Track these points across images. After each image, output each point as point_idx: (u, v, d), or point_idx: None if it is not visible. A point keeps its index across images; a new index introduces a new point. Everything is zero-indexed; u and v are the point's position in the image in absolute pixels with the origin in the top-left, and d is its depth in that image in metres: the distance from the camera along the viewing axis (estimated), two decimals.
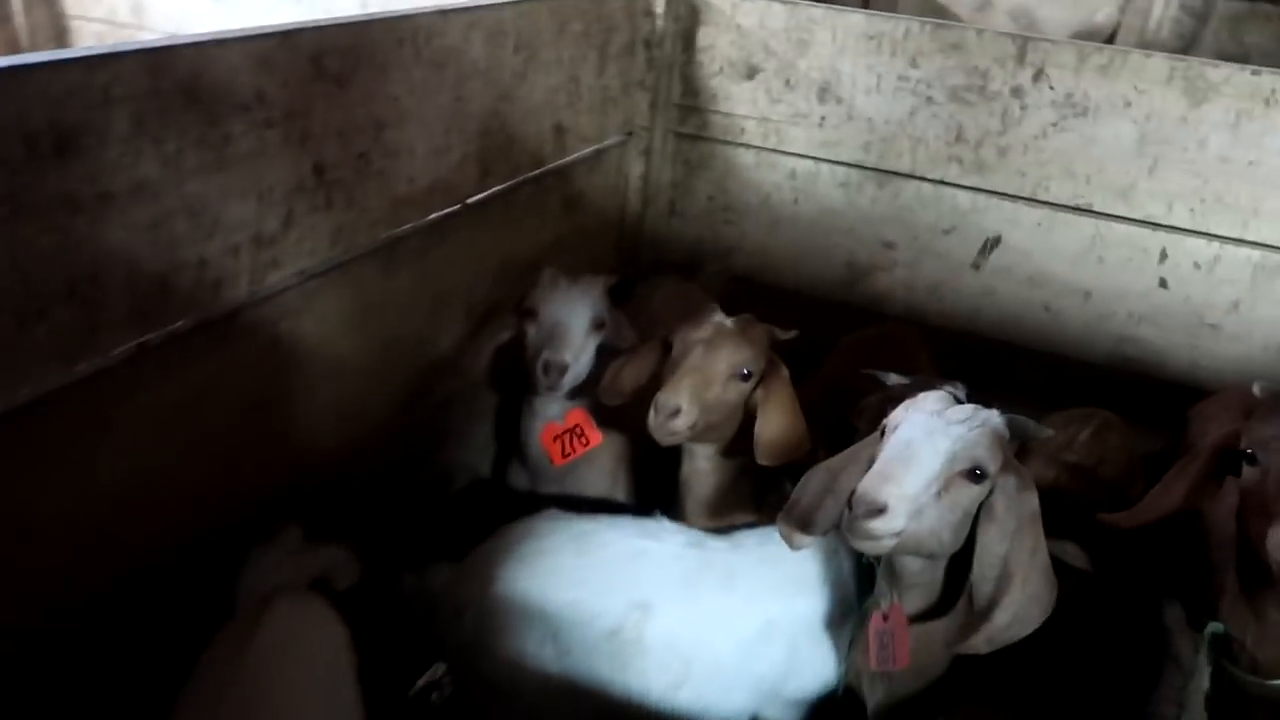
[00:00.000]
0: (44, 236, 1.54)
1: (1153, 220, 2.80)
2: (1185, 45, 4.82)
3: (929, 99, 2.97)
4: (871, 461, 1.81)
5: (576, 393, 2.54)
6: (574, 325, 2.45)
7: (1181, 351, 2.89)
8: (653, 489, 2.65)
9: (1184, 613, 1.77)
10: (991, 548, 1.68)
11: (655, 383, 2.23)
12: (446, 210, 2.52)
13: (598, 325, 2.50)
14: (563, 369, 2.38)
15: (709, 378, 2.12)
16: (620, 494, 2.69)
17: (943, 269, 3.12)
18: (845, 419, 2.31)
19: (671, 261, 3.46)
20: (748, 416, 2.22)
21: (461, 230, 2.60)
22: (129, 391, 1.78)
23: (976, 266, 3.07)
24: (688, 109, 3.33)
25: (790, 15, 3.08)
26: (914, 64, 2.96)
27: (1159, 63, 2.69)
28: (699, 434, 2.14)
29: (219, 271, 1.88)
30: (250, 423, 2.09)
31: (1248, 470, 1.70)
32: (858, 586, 2.10)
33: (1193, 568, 1.95)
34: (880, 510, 1.62)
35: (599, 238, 3.38)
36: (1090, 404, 2.66)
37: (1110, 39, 4.99)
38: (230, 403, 2.02)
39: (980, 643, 1.66)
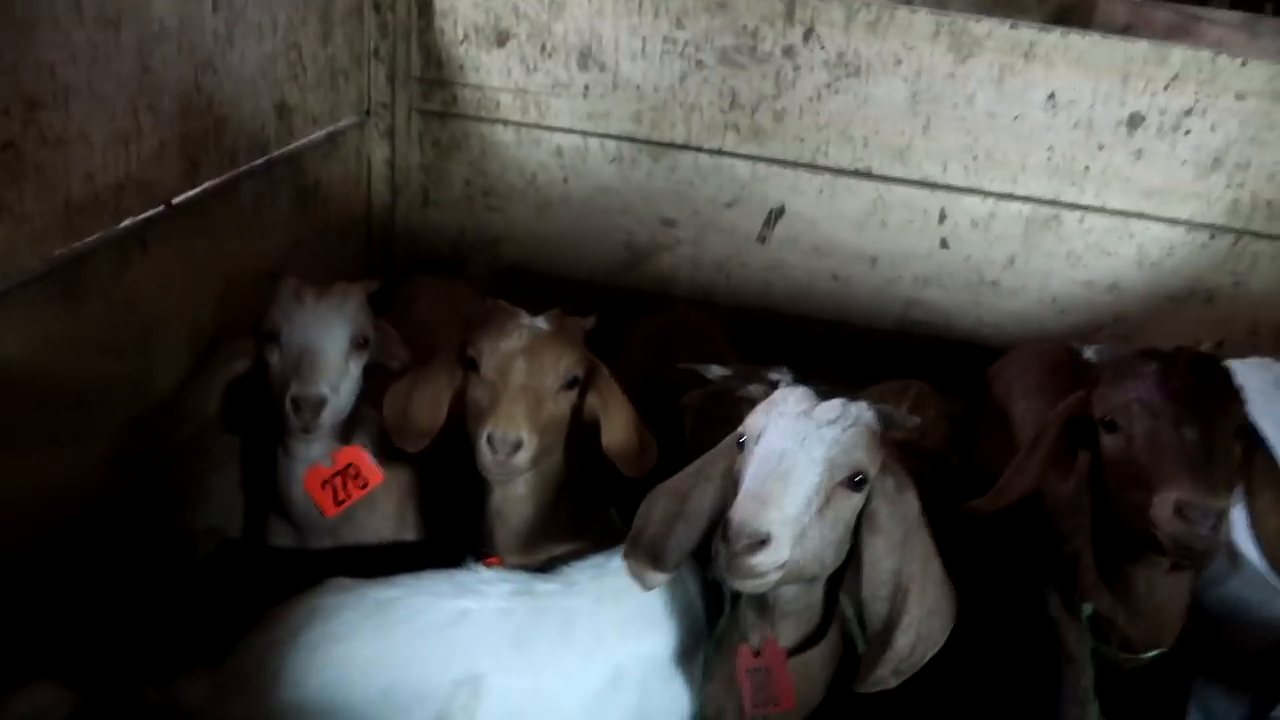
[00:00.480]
0: None
1: (930, 181, 2.77)
2: None
3: (699, 62, 2.76)
4: (730, 478, 1.55)
5: (344, 426, 2.11)
6: (328, 348, 2.01)
7: (966, 310, 2.89)
8: (448, 521, 2.27)
9: (1060, 597, 1.66)
10: (880, 562, 1.48)
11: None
12: (146, 214, 2.00)
13: (359, 344, 2.08)
14: (318, 405, 1.95)
15: (540, 395, 1.79)
16: (410, 534, 2.29)
17: (728, 244, 2.95)
18: (674, 415, 2.05)
19: (431, 257, 3.07)
20: (570, 429, 1.91)
21: (170, 239, 2.08)
22: None
23: (763, 239, 2.92)
24: (432, 82, 2.92)
25: None
26: (679, 24, 2.73)
27: (924, 18, 2.63)
28: (535, 462, 1.81)
29: None
30: None
31: (1109, 439, 1.62)
32: (706, 610, 1.86)
33: (1043, 546, 1.87)
34: (764, 541, 1.36)
35: (345, 237, 2.90)
36: (883, 371, 2.58)
37: None
38: None
39: (887, 675, 1.45)
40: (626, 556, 1.66)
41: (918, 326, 2.92)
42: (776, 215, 2.88)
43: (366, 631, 1.68)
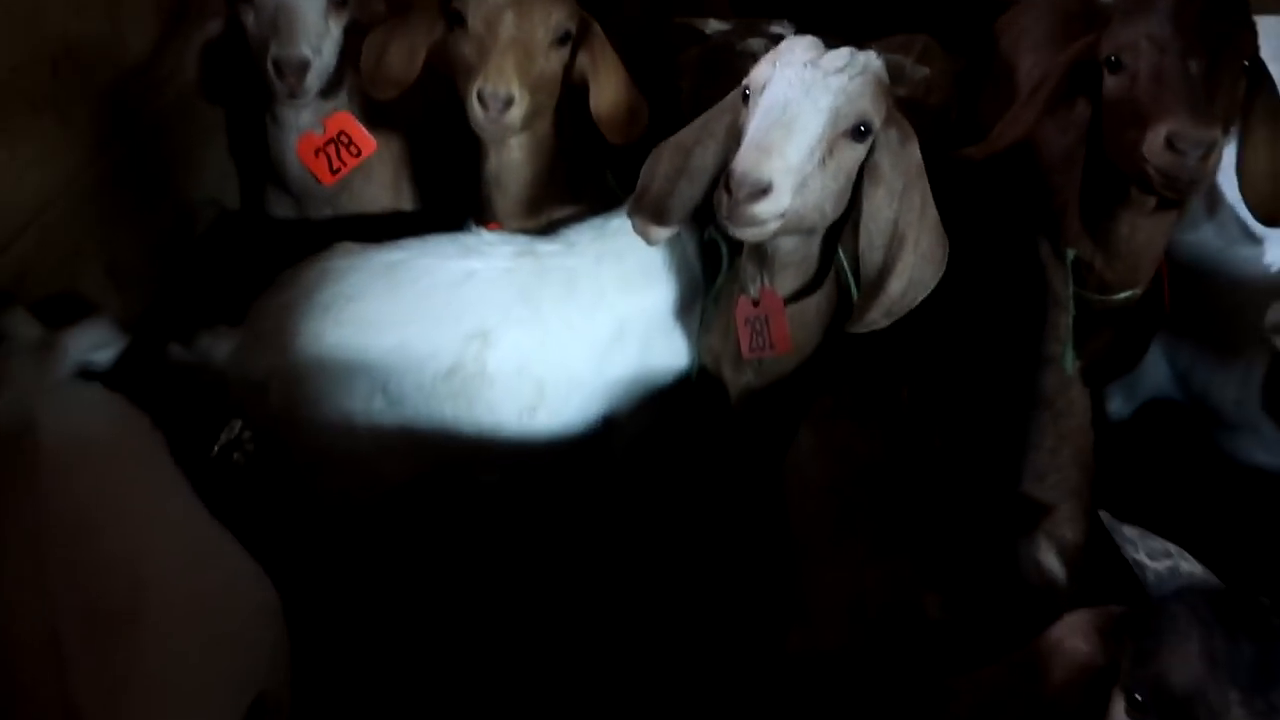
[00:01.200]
0: None
1: None
2: None
3: None
4: (734, 133, 1.54)
5: (331, 90, 2.05)
6: (305, 6, 1.91)
7: None
8: (444, 190, 2.28)
9: (1050, 244, 1.71)
10: (880, 212, 1.50)
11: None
12: None
13: (338, 1, 1.96)
14: (301, 67, 1.89)
15: (531, 50, 1.71)
16: (407, 203, 2.31)
17: None
18: (670, 74, 1.99)
19: None
20: (563, 91, 1.86)
21: None
22: None
23: None
24: None
25: None
26: None
27: None
28: (528, 122, 1.77)
29: None
30: None
31: (1111, 80, 1.59)
32: (703, 267, 1.92)
33: (1034, 194, 1.90)
34: (765, 190, 1.38)
35: None
36: (887, 26, 2.46)
37: None
38: None
39: (878, 316, 1.53)
40: (631, 213, 1.68)
41: None
42: None
43: (377, 291, 1.74)
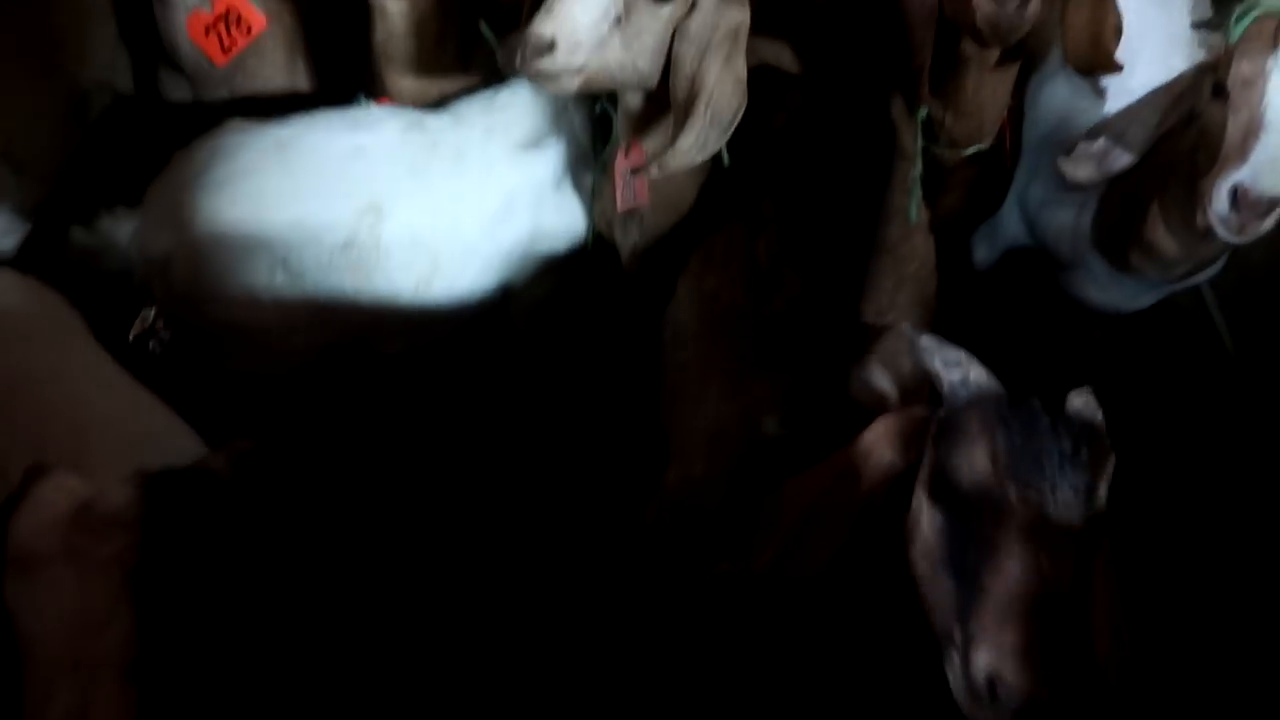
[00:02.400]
0: None
1: None
2: None
3: None
4: None
5: None
6: None
7: None
8: (336, 65, 2.30)
9: (904, 101, 1.83)
10: (681, 68, 1.59)
11: None
12: None
13: None
14: None
15: None
16: (303, 83, 2.31)
17: None
18: None
19: None
20: None
21: None
22: None
23: None
24: None
25: None
26: None
27: None
28: None
29: None
30: None
31: None
32: (592, 137, 2.01)
33: (895, 53, 2.00)
34: (548, 48, 1.49)
35: None
36: None
37: None
38: None
39: (675, 162, 1.61)
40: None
41: None
42: None
43: (270, 167, 1.81)
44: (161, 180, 1.84)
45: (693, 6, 1.57)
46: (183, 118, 2.26)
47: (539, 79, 1.53)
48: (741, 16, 1.59)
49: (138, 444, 1.47)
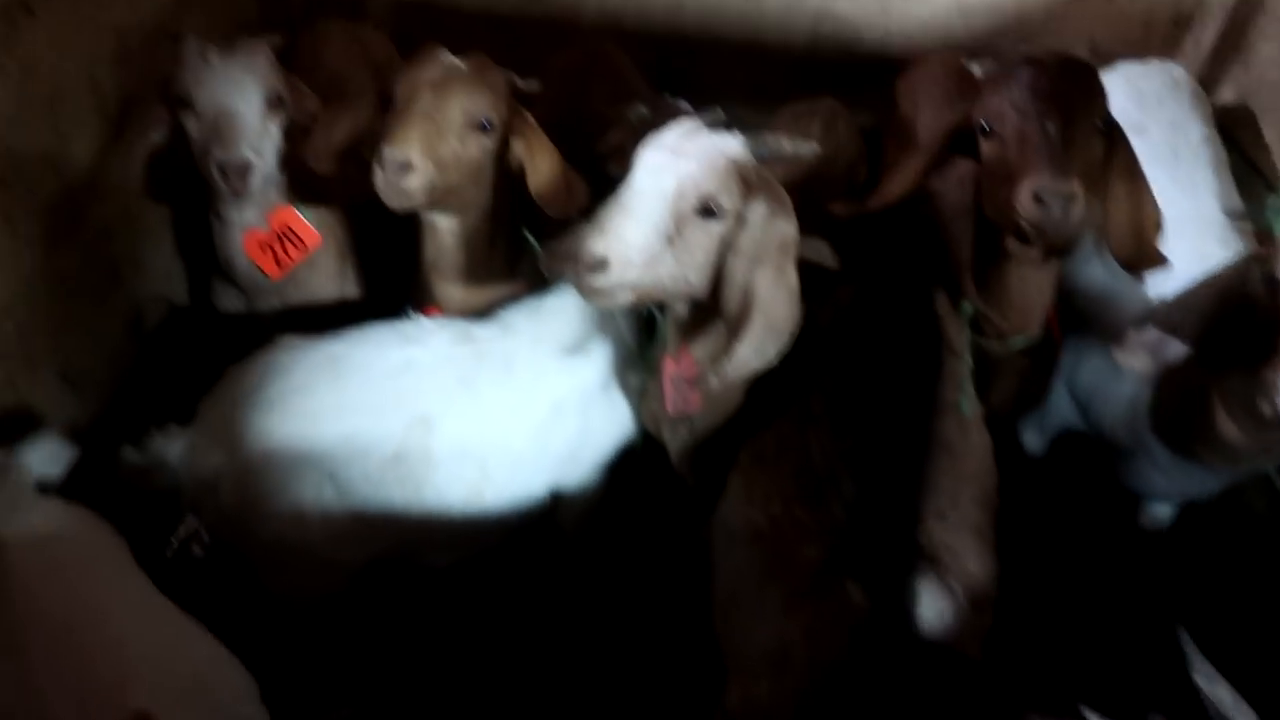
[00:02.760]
0: None
1: None
2: None
3: None
4: None
5: (272, 186, 2.14)
6: (243, 110, 2.01)
7: (875, 21, 2.88)
8: (386, 275, 2.37)
9: (948, 297, 1.84)
10: (734, 281, 1.62)
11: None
12: None
13: (274, 103, 2.07)
14: (243, 169, 1.98)
15: (441, 126, 1.79)
16: (352, 290, 2.40)
17: None
18: (596, 159, 2.10)
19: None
20: (497, 179, 1.97)
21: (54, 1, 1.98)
22: None
23: None
24: None
25: None
26: None
27: None
28: (439, 199, 1.84)
29: None
30: None
31: (986, 144, 1.73)
32: (638, 340, 2.03)
33: (934, 250, 2.03)
34: (600, 265, 1.52)
35: None
36: (795, 91, 2.61)
37: None
38: None
39: (733, 371, 1.63)
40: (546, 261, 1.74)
41: (827, 41, 2.92)
42: None
43: (323, 383, 1.82)
44: (213, 398, 1.86)
45: (742, 222, 1.61)
46: (235, 327, 2.33)
47: (592, 295, 1.55)
48: (790, 229, 1.63)
49: (182, 678, 1.45)
